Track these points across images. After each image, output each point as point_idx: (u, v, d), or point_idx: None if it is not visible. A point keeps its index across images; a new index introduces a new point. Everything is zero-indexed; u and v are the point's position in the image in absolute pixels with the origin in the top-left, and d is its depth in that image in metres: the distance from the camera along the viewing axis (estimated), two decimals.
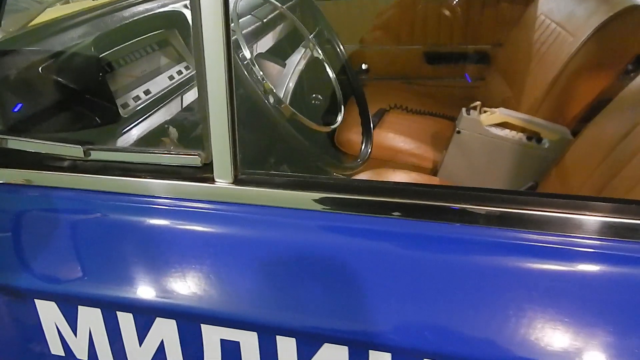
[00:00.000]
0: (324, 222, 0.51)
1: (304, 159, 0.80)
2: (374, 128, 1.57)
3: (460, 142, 1.30)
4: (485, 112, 1.29)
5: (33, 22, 0.99)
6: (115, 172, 0.56)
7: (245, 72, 0.73)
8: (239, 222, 0.53)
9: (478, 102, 1.30)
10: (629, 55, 1.22)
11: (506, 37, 1.83)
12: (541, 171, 1.25)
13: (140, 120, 0.91)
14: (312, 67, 1.02)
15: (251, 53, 0.85)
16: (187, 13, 1.26)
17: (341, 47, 1.10)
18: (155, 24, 1.07)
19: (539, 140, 1.25)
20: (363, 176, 1.28)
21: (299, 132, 0.82)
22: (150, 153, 0.55)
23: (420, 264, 0.49)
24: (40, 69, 0.84)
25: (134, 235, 0.54)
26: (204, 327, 0.51)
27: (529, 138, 1.26)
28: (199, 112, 0.50)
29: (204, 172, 0.53)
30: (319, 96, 1.18)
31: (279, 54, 1.30)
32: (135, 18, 1.02)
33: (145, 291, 0.52)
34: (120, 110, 0.88)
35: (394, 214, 0.50)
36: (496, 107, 1.68)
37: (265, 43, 1.42)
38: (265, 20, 1.40)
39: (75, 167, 0.57)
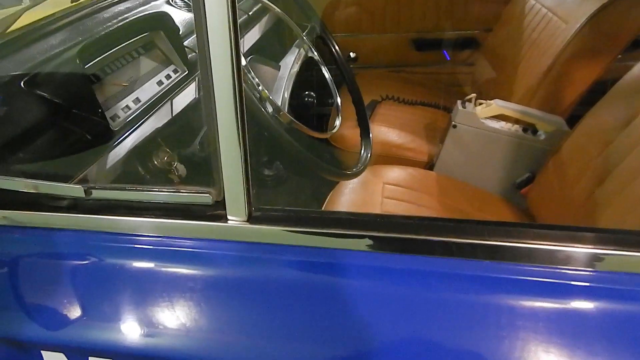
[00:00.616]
0: (347, 260, 0.49)
1: (303, 169, 0.78)
2: (369, 117, 1.55)
3: (456, 136, 1.29)
4: (480, 104, 1.27)
5: (11, 28, 0.93)
6: (118, 212, 0.53)
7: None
8: (255, 262, 0.50)
9: (473, 95, 1.28)
10: (623, 42, 1.21)
11: (495, 22, 1.81)
12: (537, 163, 1.25)
13: (131, 131, 0.87)
14: (306, 68, 0.98)
15: (244, 57, 0.81)
16: (172, 13, 1.21)
17: (336, 46, 1.07)
18: (140, 27, 1.01)
19: (535, 131, 1.25)
20: (365, 171, 1.26)
21: (297, 140, 0.80)
22: (156, 192, 0.52)
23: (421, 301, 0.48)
24: (22, 83, 0.80)
25: (145, 279, 0.51)
26: None
27: (524, 130, 1.25)
28: (209, 146, 0.46)
29: (215, 210, 0.50)
30: (312, 93, 1.15)
31: (268, 50, 1.26)
32: (118, 22, 0.97)
33: (156, 340, 0.49)
34: (111, 123, 0.84)
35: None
36: (487, 94, 1.68)
37: (252, 36, 1.38)
38: (250, 14, 1.35)
39: (74, 206, 0.54)
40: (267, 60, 0.91)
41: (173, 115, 0.91)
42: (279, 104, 0.83)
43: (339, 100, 0.96)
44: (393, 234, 0.48)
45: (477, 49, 1.93)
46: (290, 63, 0.94)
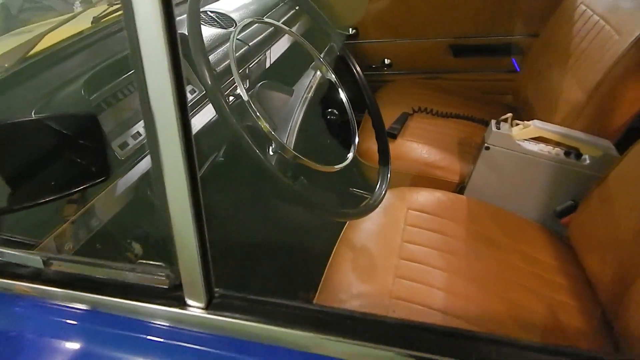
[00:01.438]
0: None
1: (307, 213, 0.72)
2: (397, 135, 1.48)
3: (489, 158, 1.19)
4: (517, 124, 1.17)
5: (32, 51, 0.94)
6: (76, 286, 0.50)
7: (232, 119, 0.65)
8: (210, 357, 0.45)
9: (509, 114, 1.18)
10: None
11: (542, 28, 1.67)
12: (581, 190, 1.13)
13: (140, 159, 0.85)
14: (322, 91, 0.93)
15: (246, 90, 0.76)
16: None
17: (357, 67, 1.00)
18: None
19: (579, 155, 1.13)
20: (389, 193, 1.20)
21: (300, 177, 0.75)
22: (114, 269, 0.48)
23: None
24: (32, 112, 0.80)
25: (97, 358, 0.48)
26: None
27: (566, 153, 1.14)
28: (165, 224, 0.42)
29: (173, 293, 0.46)
30: (335, 111, 1.09)
31: (285, 72, 1.21)
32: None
33: None
34: (118, 152, 0.83)
35: None
36: (529, 106, 1.56)
37: (265, 60, 1.32)
38: (251, 44, 1.30)
39: (34, 276, 0.51)
40: (280, 86, 0.87)
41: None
42: (287, 133, 0.78)
43: (355, 126, 0.90)
44: (387, 346, 0.41)
45: (521, 55, 1.80)
46: (305, 87, 0.89)
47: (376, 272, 0.99)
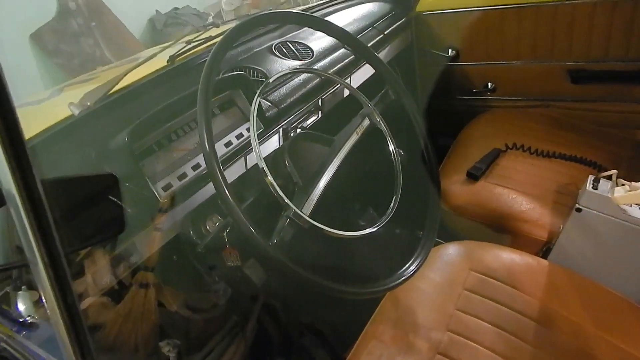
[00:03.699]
0: None
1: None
2: (479, 176, 1.32)
3: (581, 222, 0.99)
4: (622, 185, 0.95)
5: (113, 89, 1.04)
6: None
7: (222, 189, 0.62)
8: None
9: (614, 171, 0.97)
10: None
11: None
12: None
13: (182, 202, 0.88)
14: (368, 140, 0.85)
15: (258, 154, 0.72)
16: (272, 61, 1.20)
17: (417, 115, 0.90)
18: (219, 87, 1.03)
19: None
20: (452, 247, 1.07)
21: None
22: None
23: None
24: (93, 155, 0.87)
25: None
26: None
27: None
28: None
29: None
30: (401, 151, 1.00)
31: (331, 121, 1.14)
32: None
33: None
34: (160, 194, 0.86)
35: None
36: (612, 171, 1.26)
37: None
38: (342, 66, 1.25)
39: None
40: (318, 136, 0.82)
41: None
42: (311, 192, 0.73)
43: (400, 181, 0.81)
44: None
45: None
46: (347, 136, 0.82)
47: (418, 343, 0.88)
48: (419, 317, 0.92)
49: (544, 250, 1.13)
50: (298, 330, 1.33)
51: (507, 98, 1.78)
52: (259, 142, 1.01)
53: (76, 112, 0.96)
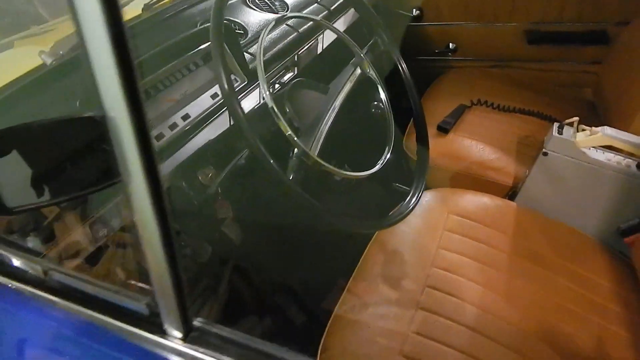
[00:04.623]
0: None
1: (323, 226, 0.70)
2: (449, 130, 1.39)
3: (546, 166, 1.08)
4: (583, 130, 1.05)
5: None
6: (73, 299, 0.52)
7: (245, 126, 0.63)
8: None
9: (575, 118, 1.06)
10: None
11: (635, 14, 1.47)
12: None
13: (174, 152, 0.87)
14: (361, 90, 0.88)
15: (270, 94, 0.73)
16: (248, 14, 1.17)
17: (403, 65, 0.93)
18: (202, 38, 1.00)
19: None
20: (430, 194, 1.14)
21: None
22: (102, 288, 0.50)
23: None
24: (77, 103, 0.84)
25: None
26: None
27: (639, 166, 1.00)
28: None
29: (153, 320, 0.47)
30: (380, 104, 1.03)
31: (323, 68, 1.16)
32: (181, 36, 0.96)
33: None
34: (155, 143, 0.85)
35: None
36: (608, 104, 1.39)
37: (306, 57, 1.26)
38: (301, 31, 1.25)
39: (36, 283, 0.54)
40: (315, 84, 0.84)
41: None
42: (315, 135, 0.75)
43: (393, 129, 0.85)
44: None
45: (607, 44, 1.59)
46: (341, 85, 0.85)
47: (406, 279, 0.95)
48: (406, 256, 0.98)
49: (509, 194, 1.23)
50: (271, 289, 1.37)
51: (467, 59, 1.86)
52: (245, 95, 1.01)
53: (48, 61, 0.91)
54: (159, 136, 0.86)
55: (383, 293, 0.92)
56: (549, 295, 0.94)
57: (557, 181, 1.09)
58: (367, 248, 1.02)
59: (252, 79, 1.05)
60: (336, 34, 0.92)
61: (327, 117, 0.78)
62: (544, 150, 1.07)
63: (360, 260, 0.99)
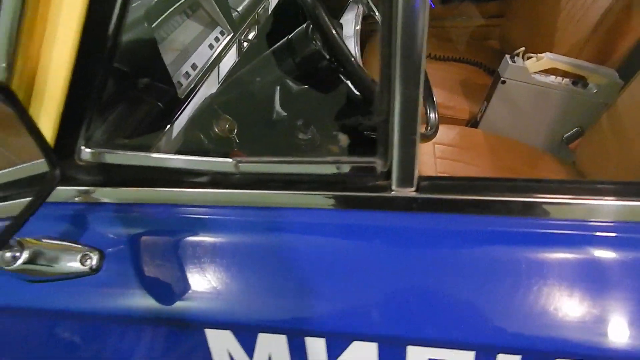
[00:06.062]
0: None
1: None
2: None
3: (505, 92, 1.26)
4: (529, 58, 1.23)
5: None
6: (271, 186, 0.50)
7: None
8: (427, 234, 0.48)
9: (522, 49, 1.24)
10: None
11: None
12: (587, 117, 1.23)
13: (191, 98, 0.83)
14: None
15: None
16: None
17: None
18: None
19: (585, 85, 1.22)
20: None
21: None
22: (313, 163, 0.49)
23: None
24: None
25: (312, 254, 0.49)
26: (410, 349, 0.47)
27: (574, 83, 1.22)
28: (376, 112, 0.43)
29: (379, 181, 0.47)
30: None
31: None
32: None
33: (330, 314, 0.48)
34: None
35: None
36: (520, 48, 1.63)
37: None
38: None
39: (218, 182, 0.51)
40: (330, 19, 0.86)
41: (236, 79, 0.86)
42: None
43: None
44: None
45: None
46: (352, 20, 0.89)
47: None
48: None
49: (468, 125, 1.39)
50: None
51: None
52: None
53: None
54: (177, 85, 0.81)
55: None
56: None
57: (513, 106, 1.27)
58: None
59: (237, 31, 1.03)
60: None
61: (354, 48, 0.82)
62: (502, 78, 1.23)
63: None
